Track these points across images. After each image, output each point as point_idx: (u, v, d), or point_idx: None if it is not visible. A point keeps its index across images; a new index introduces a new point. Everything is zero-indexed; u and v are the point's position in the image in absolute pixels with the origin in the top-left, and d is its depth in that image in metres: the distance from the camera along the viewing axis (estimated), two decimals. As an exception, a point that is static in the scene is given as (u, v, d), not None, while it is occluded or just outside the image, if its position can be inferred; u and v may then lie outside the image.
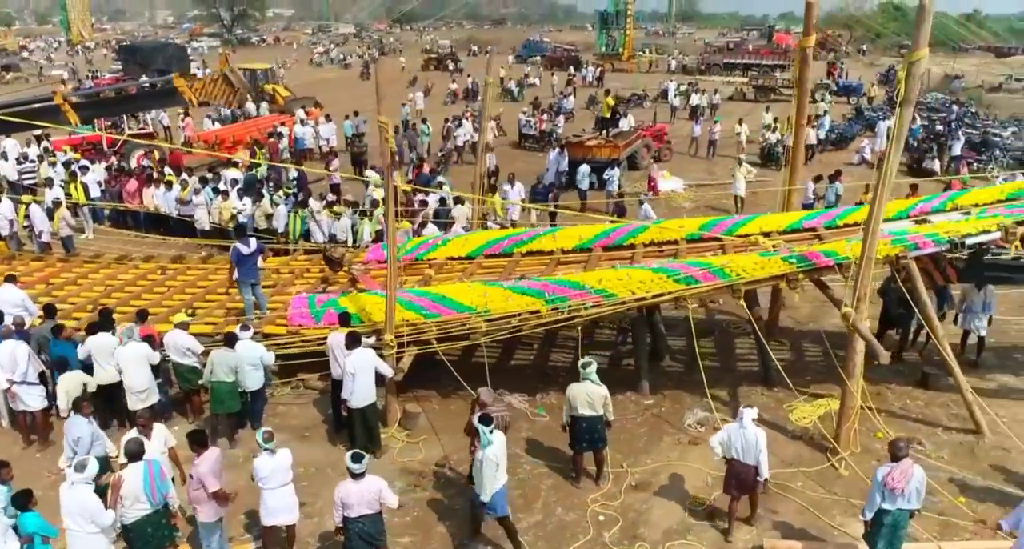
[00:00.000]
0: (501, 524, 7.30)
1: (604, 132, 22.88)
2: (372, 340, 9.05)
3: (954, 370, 9.16)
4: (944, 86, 45.21)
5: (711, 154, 26.04)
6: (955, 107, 30.56)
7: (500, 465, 6.96)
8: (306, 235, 14.93)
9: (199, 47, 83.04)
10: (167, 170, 18.28)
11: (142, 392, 9.10)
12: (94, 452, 7.47)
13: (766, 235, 10.55)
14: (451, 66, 57.87)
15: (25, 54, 73.56)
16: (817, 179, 17.57)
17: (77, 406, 7.76)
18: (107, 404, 9.30)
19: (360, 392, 8.43)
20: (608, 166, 19.31)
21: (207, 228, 15.98)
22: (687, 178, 23.30)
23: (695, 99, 32.31)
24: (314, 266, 12.97)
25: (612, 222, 11.78)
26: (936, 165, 22.80)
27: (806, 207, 16.77)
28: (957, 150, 22.86)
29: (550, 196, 16.27)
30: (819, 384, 10.70)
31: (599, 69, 49.43)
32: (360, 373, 8.39)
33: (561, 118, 28.25)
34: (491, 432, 6.85)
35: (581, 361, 8.32)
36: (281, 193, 15.96)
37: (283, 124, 25.19)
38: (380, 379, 8.86)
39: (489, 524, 7.60)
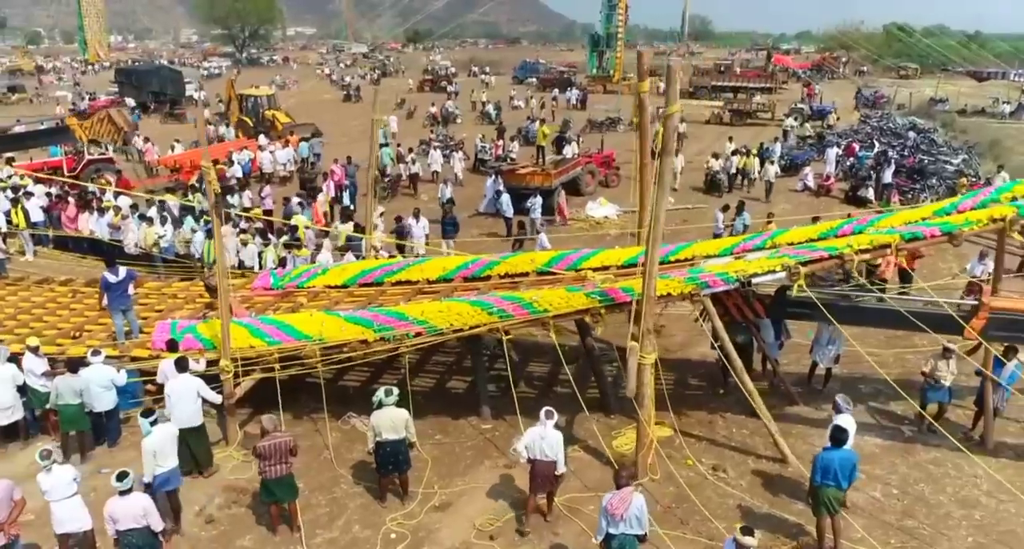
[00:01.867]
0: (168, 499, 8.28)
1: (540, 160, 23.55)
2: (201, 366, 9.73)
3: (756, 402, 9.65)
4: (927, 109, 45.35)
5: (659, 180, 26.56)
6: (911, 133, 30.77)
7: (159, 453, 8.17)
8: (220, 260, 15.73)
9: (210, 67, 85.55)
10: (109, 195, 19.25)
11: (7, 409, 9.97)
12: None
13: (605, 269, 11.12)
14: (448, 88, 59.00)
15: (44, 74, 76.30)
16: (724, 209, 18.07)
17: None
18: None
19: (182, 415, 9.11)
20: (533, 194, 19.96)
21: (134, 252, 16.86)
22: (627, 205, 23.86)
23: (658, 126, 32.69)
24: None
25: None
26: (871, 193, 23.16)
27: (716, 236, 17.31)
28: (888, 178, 23.19)
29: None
30: (658, 412, 11.18)
31: (583, 92, 50.19)
32: (181, 397, 9.10)
33: (516, 144, 28.93)
34: (152, 424, 8.11)
35: (383, 388, 8.93)
36: (203, 220, 16.80)
37: (245, 148, 26.24)
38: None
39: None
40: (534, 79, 63.96)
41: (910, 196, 22.89)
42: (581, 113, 45.61)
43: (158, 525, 7.29)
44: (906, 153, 28.24)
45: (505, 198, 20.11)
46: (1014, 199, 9.32)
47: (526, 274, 11.77)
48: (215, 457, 9.87)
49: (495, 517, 8.86)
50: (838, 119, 39.66)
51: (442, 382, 12.39)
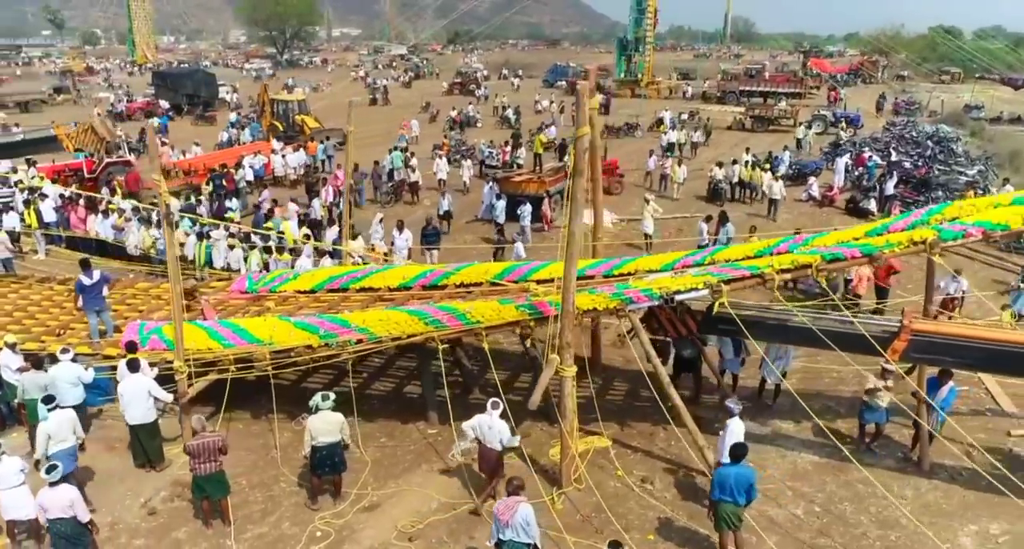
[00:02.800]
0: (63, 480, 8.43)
1: (537, 167, 23.85)
2: (151, 373, 10.27)
3: (684, 417, 9.80)
4: (961, 116, 44.24)
5: (663, 188, 26.58)
6: (929, 143, 30.16)
7: (53, 437, 8.86)
8: (211, 262, 16.47)
9: (251, 69, 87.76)
10: (117, 197, 20.19)
11: (-19, 401, 10.74)
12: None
13: (551, 281, 11.40)
14: (476, 91, 59.55)
15: (93, 75, 79.26)
16: (708, 220, 18.13)
17: None
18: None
19: (134, 412, 9.75)
20: (524, 201, 20.29)
21: (136, 253, 17.73)
22: (627, 213, 23.95)
23: (672, 136, 32.39)
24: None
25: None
26: (873, 205, 22.85)
27: (701, 247, 17.38)
28: (890, 189, 22.86)
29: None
30: (598, 422, 11.43)
31: (606, 96, 50.12)
32: (132, 396, 9.71)
33: (523, 150, 29.18)
34: (49, 411, 8.89)
35: (320, 393, 9.38)
36: (198, 223, 17.57)
37: (258, 152, 27.11)
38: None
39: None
40: (564, 82, 64.04)
41: (913, 208, 22.46)
42: (604, 118, 45.65)
43: (84, 516, 7.83)
44: (920, 163, 27.76)
45: (500, 204, 20.50)
46: (942, 222, 9.32)
47: (479, 284, 12.11)
48: (169, 452, 10.46)
49: (419, 519, 9.23)
50: (861, 126, 38.95)
51: (400, 387, 12.82)
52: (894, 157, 28.58)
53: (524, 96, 56.24)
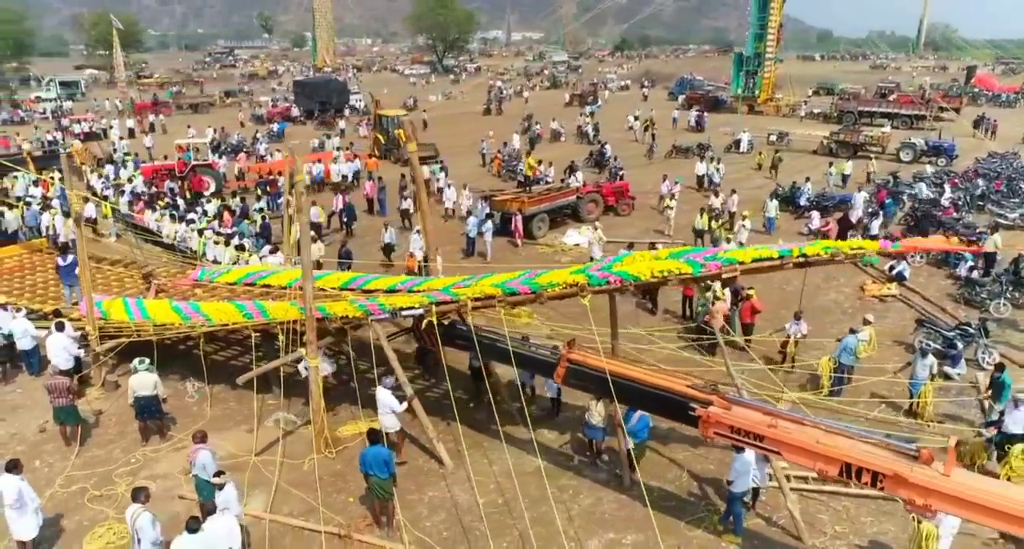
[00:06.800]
0: None
1: (527, 188, 25.89)
2: (72, 332, 14.11)
3: (418, 413, 11.94)
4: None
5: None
6: (981, 182, 28.18)
7: None
8: (206, 254, 20.60)
9: (412, 74, 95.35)
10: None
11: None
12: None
13: (373, 292, 13.92)
14: (588, 103, 61.34)
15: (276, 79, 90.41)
16: (630, 247, 19.43)
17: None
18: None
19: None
20: (485, 220, 22.59)
21: (168, 242, 22.37)
22: (622, 235, 25.13)
23: (700, 168, 32.06)
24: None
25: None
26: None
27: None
28: (875, 229, 22.34)
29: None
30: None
31: (700, 112, 50.06)
32: (54, 347, 13.60)
33: (552, 168, 31.04)
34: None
35: (137, 359, 12.62)
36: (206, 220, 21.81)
37: (318, 160, 31.52)
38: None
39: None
40: (684, 96, 64.00)
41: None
42: (696, 135, 45.86)
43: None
44: (959, 201, 26.42)
45: (472, 220, 22.97)
46: (616, 269, 10.59)
47: (334, 288, 14.84)
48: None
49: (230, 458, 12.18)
50: (956, 156, 36.39)
51: (257, 362, 15.68)
52: (947, 193, 27.25)
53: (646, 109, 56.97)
